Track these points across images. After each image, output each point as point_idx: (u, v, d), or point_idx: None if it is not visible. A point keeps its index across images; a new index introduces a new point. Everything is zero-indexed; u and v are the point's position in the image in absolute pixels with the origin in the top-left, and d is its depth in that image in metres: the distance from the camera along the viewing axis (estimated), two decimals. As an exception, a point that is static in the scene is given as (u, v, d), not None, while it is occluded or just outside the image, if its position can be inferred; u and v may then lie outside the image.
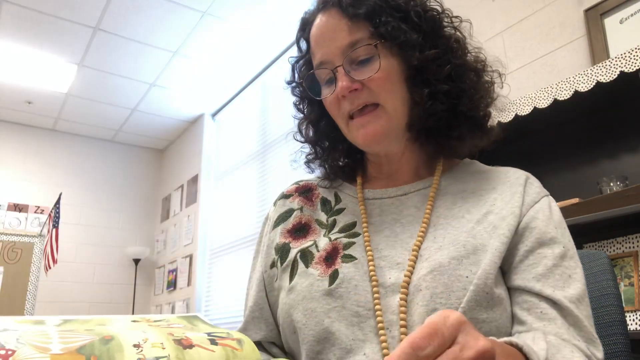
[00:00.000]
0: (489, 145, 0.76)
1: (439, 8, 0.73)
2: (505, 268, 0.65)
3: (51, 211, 3.84)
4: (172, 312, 4.49)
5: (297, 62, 0.79)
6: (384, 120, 0.68)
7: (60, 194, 3.94)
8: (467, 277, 0.60)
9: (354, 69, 0.68)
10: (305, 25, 0.76)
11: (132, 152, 5.35)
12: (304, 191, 0.81)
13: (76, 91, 4.23)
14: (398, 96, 0.69)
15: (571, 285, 0.62)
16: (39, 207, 4.65)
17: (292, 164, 0.83)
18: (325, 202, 0.78)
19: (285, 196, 0.82)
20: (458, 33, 0.73)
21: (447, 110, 0.69)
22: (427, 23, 0.69)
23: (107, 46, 3.61)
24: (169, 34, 3.48)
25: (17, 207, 4.57)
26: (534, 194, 0.69)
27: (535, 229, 0.65)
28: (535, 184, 0.71)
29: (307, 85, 0.74)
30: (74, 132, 5.00)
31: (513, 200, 0.67)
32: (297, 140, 0.82)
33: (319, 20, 0.72)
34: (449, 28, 0.72)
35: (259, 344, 0.75)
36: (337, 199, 0.78)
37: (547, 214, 0.67)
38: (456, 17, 0.74)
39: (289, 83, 0.81)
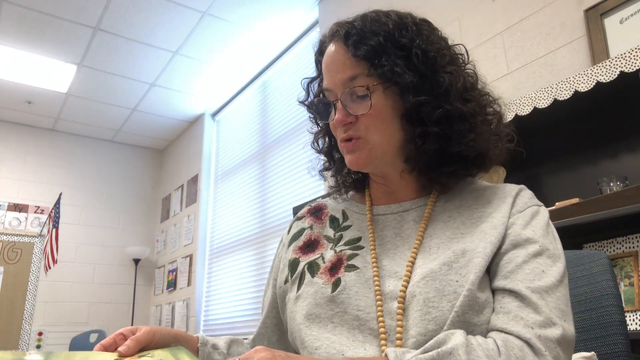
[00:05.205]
0: (485, 172, 0.80)
1: (444, 43, 0.76)
2: (490, 275, 0.68)
3: (51, 211, 3.84)
4: (172, 312, 4.49)
5: (311, 82, 0.85)
6: (367, 151, 0.74)
7: (60, 194, 3.93)
8: (457, 281, 0.64)
9: (353, 100, 0.73)
10: (321, 48, 0.80)
11: (132, 152, 5.35)
12: (315, 212, 0.88)
13: (76, 91, 4.23)
14: (387, 133, 0.73)
15: (542, 279, 0.63)
16: (39, 207, 4.65)
17: (310, 171, 0.90)
18: (333, 220, 0.84)
19: (299, 218, 0.90)
20: (468, 72, 0.76)
21: (439, 150, 0.73)
22: (426, 65, 0.72)
23: (107, 46, 3.61)
24: (169, 34, 3.48)
25: (17, 207, 4.57)
26: (521, 204, 0.72)
27: (511, 234, 0.68)
28: (525, 196, 0.74)
29: (320, 102, 0.79)
30: (74, 132, 5.01)
31: (504, 211, 0.71)
32: (313, 149, 0.88)
33: (328, 49, 0.77)
34: (452, 67, 0.74)
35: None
36: (345, 217, 0.83)
37: (527, 219, 0.70)
38: (461, 54, 0.77)
39: (301, 102, 0.86)
